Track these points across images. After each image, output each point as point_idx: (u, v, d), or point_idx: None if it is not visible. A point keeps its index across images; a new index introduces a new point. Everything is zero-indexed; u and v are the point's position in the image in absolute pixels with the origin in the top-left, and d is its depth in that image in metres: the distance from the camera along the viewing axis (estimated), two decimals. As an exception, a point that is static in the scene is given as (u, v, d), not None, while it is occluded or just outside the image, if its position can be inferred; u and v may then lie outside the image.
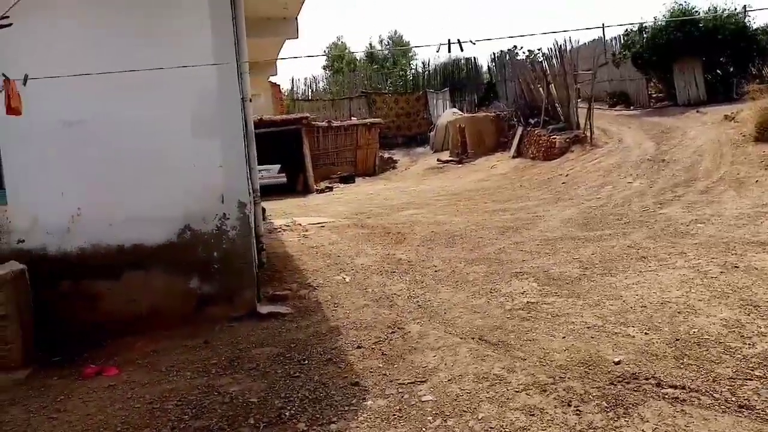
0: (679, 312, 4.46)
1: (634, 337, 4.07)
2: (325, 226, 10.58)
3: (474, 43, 4.06)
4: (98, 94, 4.92)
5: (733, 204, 8.42)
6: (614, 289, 5.23)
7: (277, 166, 19.14)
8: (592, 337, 4.13)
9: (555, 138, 16.67)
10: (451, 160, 21.25)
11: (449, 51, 4.09)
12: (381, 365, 4.08)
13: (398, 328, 4.78)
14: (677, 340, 3.93)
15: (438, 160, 21.85)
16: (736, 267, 5.44)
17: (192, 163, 5.16)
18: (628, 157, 13.62)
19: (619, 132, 16.48)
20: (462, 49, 4.78)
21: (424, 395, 3.52)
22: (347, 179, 20.56)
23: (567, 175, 13.75)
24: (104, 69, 4.72)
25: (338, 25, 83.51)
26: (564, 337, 4.19)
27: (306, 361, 4.28)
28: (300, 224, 10.94)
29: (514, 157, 18.74)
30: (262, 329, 5.05)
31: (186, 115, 5.13)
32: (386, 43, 34.63)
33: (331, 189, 19.18)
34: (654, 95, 20.41)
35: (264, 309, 5.40)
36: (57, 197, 4.93)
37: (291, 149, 20.50)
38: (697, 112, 16.00)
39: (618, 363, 3.65)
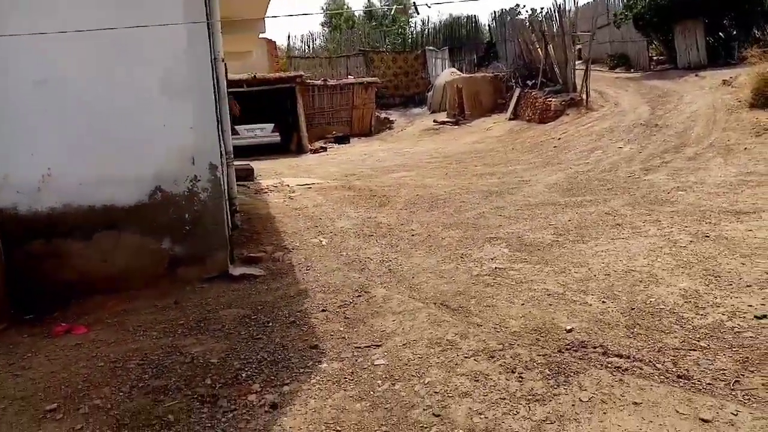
0: (640, 281, 4.50)
1: (591, 305, 4.12)
2: (312, 187, 10.59)
3: (429, 6, 3.96)
4: (68, 53, 4.86)
5: (719, 171, 8.38)
6: (582, 257, 5.27)
7: (271, 125, 19.04)
8: (550, 305, 4.18)
9: (551, 100, 16.50)
10: (448, 122, 21.07)
11: (417, 13, 4.00)
12: (342, 329, 4.15)
13: (365, 291, 4.83)
14: (633, 309, 3.98)
15: (435, 121, 21.67)
16: (706, 236, 5.45)
17: (162, 124, 5.13)
18: (621, 121, 13.50)
19: (616, 95, 16.30)
20: (417, 12, 4.69)
21: (378, 359, 3.59)
22: (342, 139, 20.45)
23: (559, 139, 13.66)
24: (74, 27, 4.66)
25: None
26: (523, 304, 4.24)
27: (270, 324, 4.34)
28: (287, 185, 10.95)
29: (510, 119, 18.58)
30: (233, 291, 5.11)
31: (157, 75, 5.08)
32: (384, 1, 33.88)
33: (325, 149, 19.10)
34: (655, 58, 20.08)
35: (236, 270, 5.45)
36: (27, 156, 4.92)
37: (285, 108, 20.35)
38: (696, 76, 15.78)
39: (570, 331, 3.70)
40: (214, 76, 5.40)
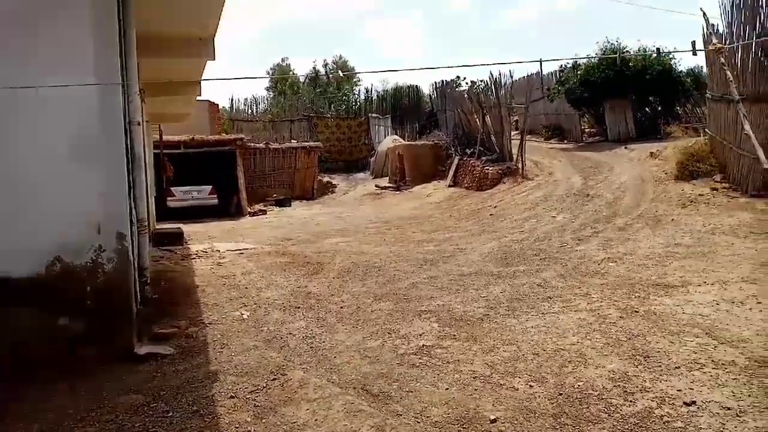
0: (569, 361, 4.33)
1: (517, 389, 3.89)
2: (244, 253, 10.19)
3: (334, 75, 3.85)
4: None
5: (647, 242, 8.52)
6: (512, 333, 5.08)
7: (209, 187, 18.62)
8: (476, 389, 3.93)
9: (488, 169, 16.81)
10: (389, 187, 21.18)
11: (328, 80, 3.88)
12: (249, 419, 3.75)
13: (281, 374, 4.46)
14: (560, 394, 3.77)
15: (376, 186, 21.75)
16: (636, 311, 5.39)
17: (67, 190, 4.74)
18: (555, 190, 13.80)
19: (550, 165, 16.77)
20: (328, 79, 4.59)
21: (283, 458, 3.22)
22: (283, 202, 20.17)
23: (496, 207, 13.80)
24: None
25: (285, 46, 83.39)
26: (447, 389, 3.97)
27: (170, 413, 3.90)
28: (218, 250, 10.52)
29: (450, 186, 18.81)
30: (136, 373, 4.63)
31: (63, 138, 4.72)
32: (330, 67, 34.59)
33: (264, 212, 18.74)
34: (587, 130, 20.99)
35: (143, 350, 4.98)
36: None
37: (226, 170, 20.01)
38: (626, 148, 16.46)
39: (494, 421, 3.45)
40: (128, 140, 5.09)
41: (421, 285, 7.13)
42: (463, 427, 3.41)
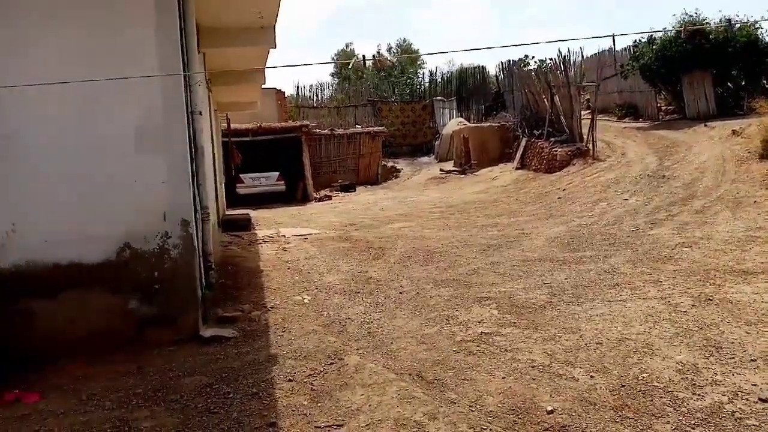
0: (634, 351, 4.14)
1: (577, 380, 3.75)
2: (308, 238, 10.36)
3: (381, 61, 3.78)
4: (37, 107, 4.74)
5: (726, 226, 8.02)
6: (575, 321, 4.91)
7: (276, 174, 19.03)
8: (533, 379, 3.82)
9: (557, 150, 16.31)
10: (454, 171, 20.95)
11: (364, 65, 3.84)
12: (306, 403, 3.81)
13: (338, 358, 4.50)
14: (623, 386, 3.61)
15: (441, 170, 21.57)
16: (709, 300, 5.09)
17: (134, 179, 4.95)
18: (628, 172, 13.22)
19: (623, 145, 16.07)
20: (365, 65, 4.51)
21: (336, 443, 3.25)
22: (348, 188, 20.35)
23: (564, 190, 13.38)
24: (44, 80, 4.54)
25: (349, 31, 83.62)
26: (504, 378, 3.89)
27: (231, 395, 4.02)
28: (284, 235, 10.73)
29: (517, 168, 18.40)
30: (201, 355, 4.81)
31: (129, 130, 4.93)
32: (394, 51, 34.39)
33: (330, 198, 18.98)
34: (664, 108, 19.92)
35: (208, 332, 5.15)
36: (-10, 212, 4.74)
37: (292, 157, 20.38)
38: (705, 126, 15.54)
39: (551, 412, 3.34)
40: (191, 130, 5.24)
41: (482, 271, 7.01)
42: (518, 418, 3.33)
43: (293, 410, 3.71)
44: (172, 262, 5.03)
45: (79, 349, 4.87)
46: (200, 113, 5.40)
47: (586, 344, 4.37)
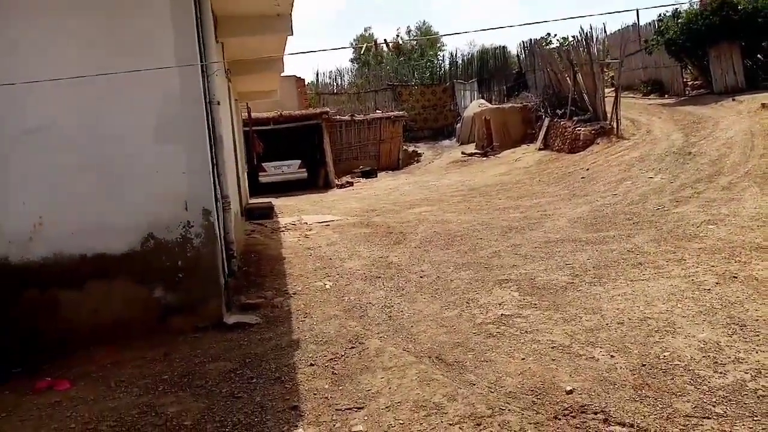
0: (656, 330, 4.10)
1: (597, 360, 3.74)
2: (330, 224, 10.42)
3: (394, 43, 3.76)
4: (59, 101, 4.84)
5: (754, 202, 7.84)
6: (597, 301, 4.88)
7: (298, 161, 19.12)
8: (553, 360, 3.81)
9: (580, 130, 16.06)
10: (476, 153, 20.79)
11: (388, 48, 3.81)
12: (327, 386, 3.87)
13: (359, 342, 4.55)
14: (643, 365, 3.59)
15: (462, 153, 21.43)
16: (734, 277, 5.00)
17: (155, 170, 5.03)
18: (653, 149, 12.98)
19: (648, 122, 15.77)
20: (387, 49, 4.48)
21: (356, 425, 3.29)
22: (369, 174, 20.37)
23: (587, 170, 13.21)
24: (64, 75, 4.63)
25: (368, 15, 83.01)
26: (523, 359, 3.89)
27: (255, 379, 4.10)
28: (305, 223, 10.82)
29: (540, 149, 18.20)
30: (225, 341, 4.90)
31: (148, 121, 5.00)
32: (414, 33, 34.08)
33: (351, 184, 19.02)
34: (690, 83, 19.47)
35: (231, 319, 5.25)
36: (18, 205, 4.87)
37: (313, 144, 20.45)
38: (733, 100, 15.14)
39: (570, 392, 3.34)
40: (209, 119, 5.29)
41: (503, 253, 6.98)
42: (538, 398, 3.33)
43: (315, 394, 3.77)
44: (194, 251, 5.12)
45: (106, 337, 5.00)
46: (218, 103, 5.44)
47: (607, 324, 4.34)
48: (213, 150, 5.35)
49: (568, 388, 3.38)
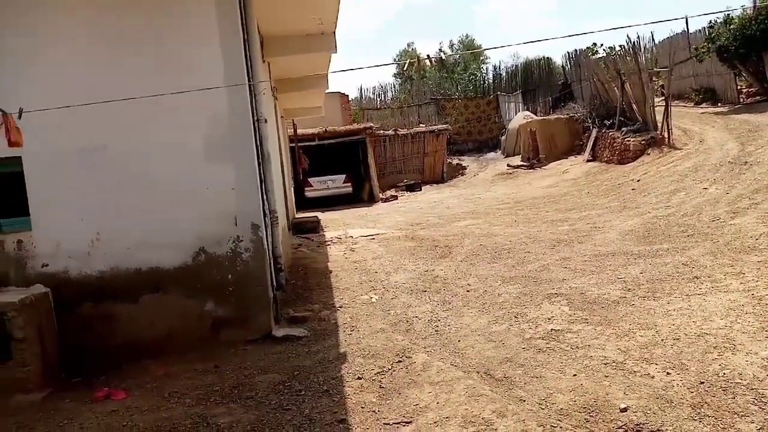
0: (715, 347, 3.94)
1: (653, 377, 3.62)
2: (375, 238, 10.46)
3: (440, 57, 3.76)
4: (114, 121, 5.05)
5: (818, 213, 7.49)
6: (651, 316, 4.73)
7: (343, 176, 19.32)
8: (606, 376, 3.71)
9: (630, 140, 15.69)
10: (522, 165, 20.55)
11: (431, 63, 3.83)
12: (375, 400, 3.87)
13: (405, 357, 4.54)
14: (702, 383, 3.45)
15: (508, 165, 21.21)
16: (799, 292, 4.77)
17: (205, 187, 5.18)
18: (707, 159, 12.55)
19: (701, 132, 15.27)
20: (431, 64, 4.48)
21: (404, 439, 3.28)
22: (413, 187, 20.38)
23: (638, 181, 12.87)
24: (118, 97, 4.83)
25: (410, 31, 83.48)
26: (575, 375, 3.80)
27: (303, 392, 4.13)
28: (351, 236, 10.89)
29: (588, 161, 17.85)
30: (273, 354, 4.97)
31: (198, 139, 5.17)
32: (457, 47, 34.08)
33: (395, 198, 19.07)
34: (744, 90, 18.79)
35: (280, 332, 5.32)
36: (77, 222, 5.09)
37: (357, 158, 20.63)
38: (792, 107, 14.54)
39: (624, 410, 3.24)
40: (257, 137, 5.42)
41: (552, 267, 6.86)
42: (590, 416, 3.25)
43: (362, 407, 3.78)
44: (244, 265, 5.23)
45: (159, 349, 5.14)
46: (265, 121, 5.57)
47: (662, 340, 4.20)
48: (261, 166, 5.47)
49: (623, 406, 3.28)
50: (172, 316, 5.18)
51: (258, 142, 5.41)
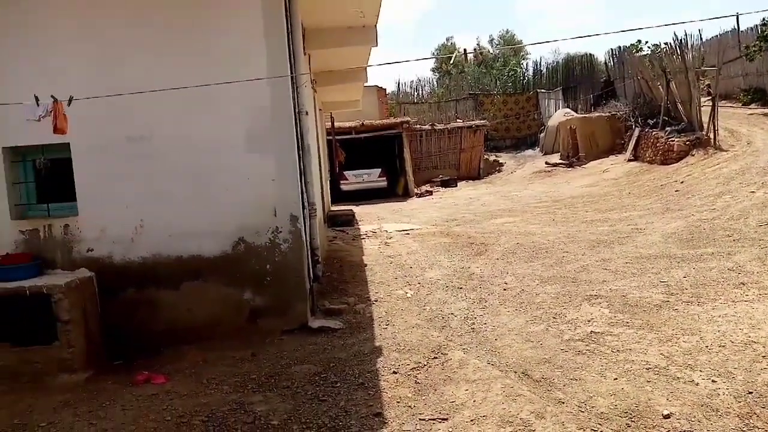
0: (763, 356, 3.81)
1: (697, 384, 3.52)
2: (410, 233, 10.44)
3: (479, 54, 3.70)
4: (159, 111, 5.12)
5: None
6: (695, 322, 4.60)
7: (378, 170, 19.32)
8: (648, 382, 3.62)
9: (673, 140, 15.29)
10: (561, 163, 20.24)
11: (466, 60, 3.77)
12: (410, 395, 3.86)
13: (441, 353, 4.51)
14: (750, 393, 3.34)
15: (546, 163, 20.92)
16: None
17: (246, 177, 5.22)
18: (755, 162, 12.15)
19: (749, 133, 14.79)
20: (467, 60, 4.42)
21: (441, 436, 3.26)
22: (448, 183, 20.27)
23: (682, 182, 12.54)
24: (164, 87, 4.91)
25: (451, 25, 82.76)
26: (616, 379, 3.72)
27: (338, 384, 4.15)
28: (386, 231, 10.90)
29: (629, 160, 17.48)
30: (309, 345, 5.00)
31: (240, 130, 5.21)
32: (496, 42, 33.69)
33: (431, 193, 19.00)
34: (797, 90, 18.11)
35: (316, 323, 5.35)
36: (122, 209, 5.19)
37: (393, 153, 20.60)
38: None
39: (667, 417, 3.16)
40: (298, 129, 5.44)
41: (592, 268, 6.74)
42: (632, 421, 3.18)
43: (398, 402, 3.77)
44: (282, 256, 5.27)
45: (197, 336, 5.22)
46: (306, 113, 5.59)
47: (707, 347, 4.08)
48: (300, 159, 5.49)
49: (666, 413, 3.20)
50: (211, 304, 5.26)
51: (299, 135, 5.43)
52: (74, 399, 4.31)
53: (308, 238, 5.51)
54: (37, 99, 4.14)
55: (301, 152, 5.46)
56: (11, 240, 5.24)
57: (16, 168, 5.38)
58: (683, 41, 16.52)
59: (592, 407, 3.39)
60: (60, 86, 4.51)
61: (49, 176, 5.44)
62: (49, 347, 4.70)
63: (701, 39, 22.50)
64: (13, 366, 4.68)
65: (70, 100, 4.06)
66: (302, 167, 5.51)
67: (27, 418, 3.99)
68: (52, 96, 4.05)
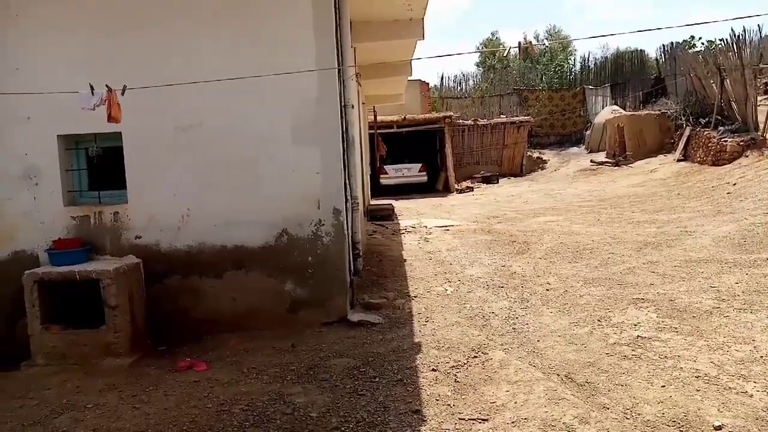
0: (824, 370, 3.63)
1: (751, 396, 3.37)
2: (450, 229, 10.37)
3: (544, 45, 3.60)
4: (208, 100, 5.19)
5: None
6: (748, 330, 4.42)
7: (418, 165, 19.26)
8: (698, 390, 3.49)
9: (726, 141, 14.73)
10: (607, 162, 19.78)
11: (519, 54, 3.68)
12: (450, 394, 3.82)
13: (482, 352, 4.45)
14: (809, 408, 3.18)
15: (592, 161, 20.47)
16: None
17: (291, 169, 5.25)
18: (815, 165, 11.61)
19: (809, 135, 14.14)
20: (521, 55, 4.30)
21: (480, 437, 3.21)
22: (490, 179, 20.06)
23: (735, 184, 12.07)
24: (213, 77, 4.97)
25: (496, 19, 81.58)
26: (663, 386, 3.60)
27: (377, 379, 4.14)
28: (425, 226, 10.85)
29: (679, 160, 16.95)
30: (348, 338, 5.01)
31: (286, 122, 5.24)
32: (542, 37, 33.10)
33: (471, 189, 18.84)
34: None
35: (355, 317, 5.35)
36: (170, 197, 5.29)
37: (434, 147, 20.49)
38: None
39: (719, 428, 3.03)
40: (343, 122, 5.44)
41: (638, 270, 6.55)
42: (681, 430, 3.06)
43: (437, 400, 3.73)
44: (324, 248, 5.28)
45: (239, 325, 5.30)
46: (352, 106, 5.58)
47: (761, 357, 3.91)
48: (345, 152, 5.49)
49: (717, 423, 3.08)
50: (253, 294, 5.32)
51: (344, 128, 5.43)
52: (119, 382, 4.42)
53: (350, 232, 5.52)
54: (92, 88, 4.24)
55: (345, 145, 5.46)
56: (63, 225, 5.40)
57: (70, 155, 5.54)
58: (740, 37, 15.87)
59: (639, 414, 3.28)
60: (113, 75, 4.60)
61: (100, 164, 5.58)
62: (97, 331, 4.84)
63: (760, 34, 21.64)
64: (63, 348, 4.84)
65: (124, 89, 4.15)
66: (346, 160, 5.51)
67: (74, 398, 4.12)
68: (106, 85, 4.15)
